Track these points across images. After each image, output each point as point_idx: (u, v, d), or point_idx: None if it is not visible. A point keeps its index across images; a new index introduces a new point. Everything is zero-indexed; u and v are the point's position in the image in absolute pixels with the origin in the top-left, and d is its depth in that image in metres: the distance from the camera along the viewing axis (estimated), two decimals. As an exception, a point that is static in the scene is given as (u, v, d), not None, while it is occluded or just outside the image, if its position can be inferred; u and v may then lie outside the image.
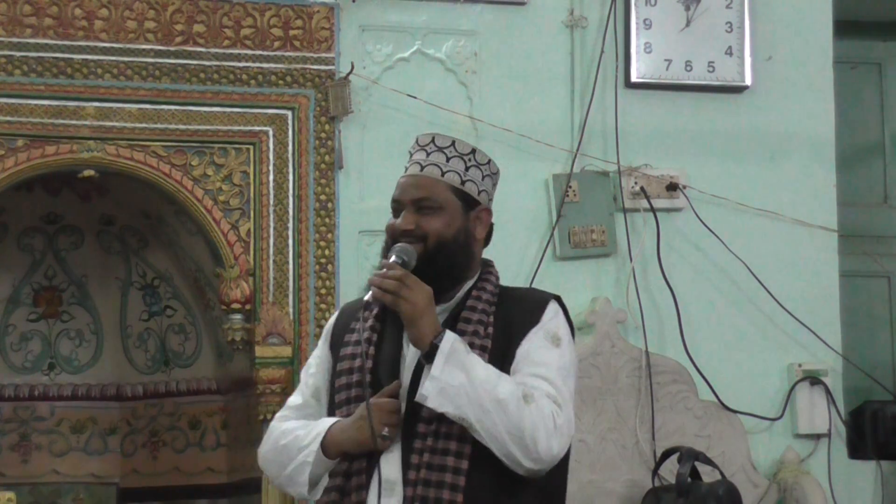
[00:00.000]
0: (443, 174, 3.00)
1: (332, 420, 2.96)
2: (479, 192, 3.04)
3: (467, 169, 3.02)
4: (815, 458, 4.99)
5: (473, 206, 3.02)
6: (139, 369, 5.30)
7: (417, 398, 2.83)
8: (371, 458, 2.89)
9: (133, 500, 5.23)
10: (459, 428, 2.84)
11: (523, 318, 2.96)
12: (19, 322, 5.26)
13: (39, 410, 5.23)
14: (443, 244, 2.96)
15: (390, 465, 2.87)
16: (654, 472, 4.73)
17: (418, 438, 2.86)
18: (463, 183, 3.01)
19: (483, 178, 3.04)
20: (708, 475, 4.56)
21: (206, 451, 5.21)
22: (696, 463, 4.54)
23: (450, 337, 2.84)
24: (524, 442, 2.82)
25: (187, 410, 5.25)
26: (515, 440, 2.82)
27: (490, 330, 2.94)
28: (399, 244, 2.94)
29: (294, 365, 4.57)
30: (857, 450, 5.07)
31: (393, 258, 2.90)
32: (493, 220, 3.11)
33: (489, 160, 3.08)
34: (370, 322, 3.00)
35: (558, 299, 3.04)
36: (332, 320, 3.16)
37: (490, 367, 2.86)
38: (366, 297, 2.88)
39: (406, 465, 2.86)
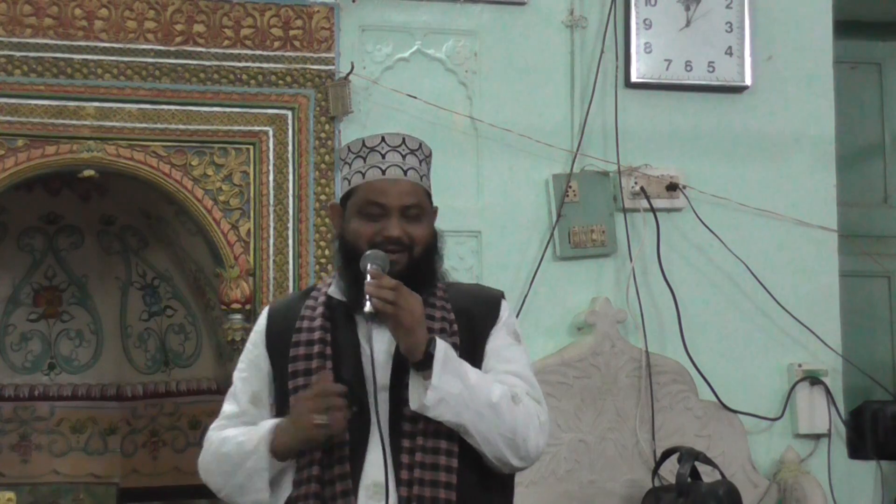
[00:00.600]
0: (421, 178, 2.96)
1: (272, 422, 2.90)
2: (429, 188, 3.02)
3: (421, 165, 2.99)
4: (815, 458, 4.99)
5: (432, 206, 3.01)
6: (139, 369, 5.30)
7: (417, 408, 2.81)
8: (354, 461, 2.85)
9: (133, 500, 5.23)
10: (444, 427, 2.83)
11: (483, 316, 2.96)
12: (19, 322, 5.25)
13: (39, 410, 5.23)
14: (427, 251, 2.94)
15: (374, 468, 2.84)
16: (654, 472, 4.73)
17: (406, 437, 2.85)
18: (429, 186, 3.01)
19: (428, 171, 3.02)
20: (708, 475, 4.56)
21: (207, 451, 5.21)
22: (696, 463, 4.54)
23: (441, 345, 2.83)
24: (516, 442, 2.85)
25: (187, 410, 5.24)
26: (508, 441, 2.84)
27: (455, 327, 2.93)
28: (372, 252, 2.87)
29: (294, 365, 4.57)
30: (857, 450, 5.07)
31: (372, 267, 2.83)
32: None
33: (430, 151, 3.03)
34: (318, 320, 2.94)
35: (504, 295, 3.06)
36: (262, 323, 3.05)
37: (477, 370, 2.87)
38: (366, 309, 2.79)
39: (397, 465, 2.83)
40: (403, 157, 2.95)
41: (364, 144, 2.95)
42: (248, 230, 4.63)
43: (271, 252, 4.64)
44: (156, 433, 5.25)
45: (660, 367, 4.84)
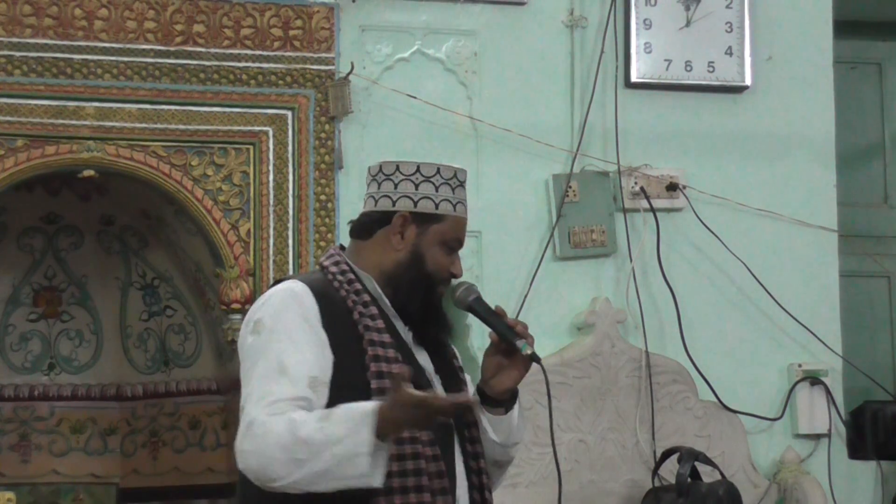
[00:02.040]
0: (466, 210, 3.07)
1: (368, 404, 2.67)
2: None
3: None
4: (815, 458, 4.99)
5: None
6: (139, 369, 5.30)
7: (502, 441, 2.98)
8: (450, 479, 2.83)
9: (133, 500, 5.23)
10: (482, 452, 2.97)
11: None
12: (19, 322, 5.25)
13: (39, 410, 5.23)
14: None
15: (460, 486, 2.89)
16: (654, 472, 4.73)
17: (469, 443, 2.93)
18: None
19: None
20: (708, 475, 4.56)
21: (206, 451, 5.21)
22: (696, 463, 4.54)
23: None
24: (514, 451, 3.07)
25: (187, 410, 5.24)
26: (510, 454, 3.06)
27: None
28: (467, 283, 2.99)
29: (294, 365, 4.56)
30: (857, 450, 5.07)
31: (491, 305, 2.97)
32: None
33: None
34: (381, 322, 2.87)
35: None
36: (311, 303, 2.84)
37: None
38: (528, 352, 2.88)
39: (469, 470, 2.91)
40: (453, 190, 3.03)
41: (455, 175, 3.01)
42: (248, 230, 4.63)
43: (271, 252, 4.64)
44: (156, 433, 5.25)
45: (660, 367, 4.84)
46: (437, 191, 2.97)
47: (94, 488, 5.21)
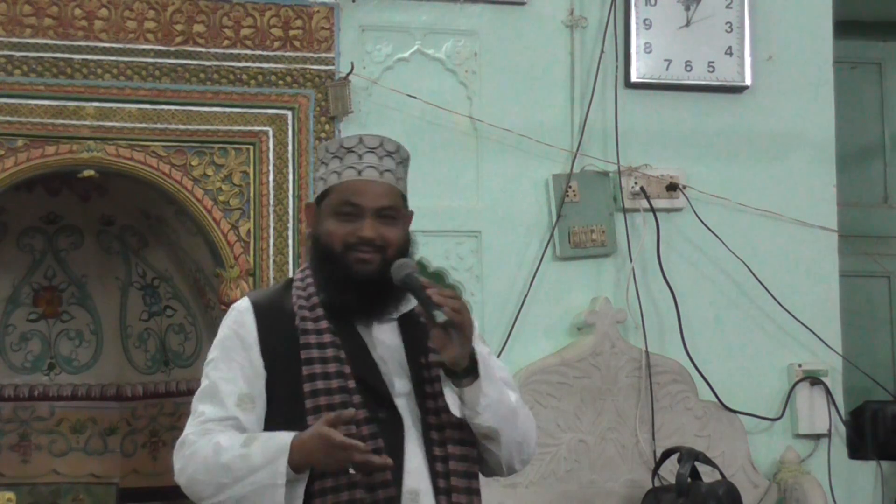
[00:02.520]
0: (397, 181, 2.91)
1: (286, 435, 2.74)
2: (405, 193, 2.97)
3: (404, 175, 2.96)
4: (815, 458, 4.99)
5: (407, 209, 2.96)
6: (139, 369, 5.30)
7: (468, 415, 2.80)
8: (393, 448, 2.79)
9: (133, 500, 5.23)
10: (466, 433, 2.82)
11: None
12: (19, 322, 5.25)
13: (39, 410, 5.23)
14: (401, 255, 2.88)
15: (412, 476, 2.80)
16: (654, 472, 4.73)
17: (436, 445, 2.82)
18: (405, 189, 2.95)
19: (405, 174, 2.97)
20: (708, 475, 4.56)
21: (206, 451, 5.20)
22: (696, 463, 4.54)
23: (482, 351, 2.84)
24: (523, 446, 2.86)
25: (187, 410, 5.21)
26: (519, 446, 2.86)
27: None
28: (404, 260, 2.85)
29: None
30: (857, 450, 5.07)
31: (421, 278, 2.82)
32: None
33: (408, 155, 2.98)
34: (324, 324, 2.86)
35: None
36: (248, 321, 2.89)
37: (500, 367, 2.91)
38: (440, 319, 2.75)
39: (433, 473, 2.81)
40: (380, 158, 2.91)
41: (341, 145, 2.91)
42: (248, 230, 4.63)
43: (271, 252, 4.64)
44: (156, 433, 5.25)
45: (660, 367, 4.84)
46: (327, 168, 2.93)
47: (94, 488, 5.21)
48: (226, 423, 2.84)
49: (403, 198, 2.94)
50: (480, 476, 2.89)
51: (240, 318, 2.90)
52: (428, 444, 2.82)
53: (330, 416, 2.70)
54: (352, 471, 2.71)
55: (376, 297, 2.86)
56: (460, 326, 2.76)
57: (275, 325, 2.87)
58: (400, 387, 2.85)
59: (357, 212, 2.86)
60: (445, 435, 2.82)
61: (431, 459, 2.81)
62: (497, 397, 2.80)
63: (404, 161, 2.96)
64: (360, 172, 2.88)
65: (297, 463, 2.71)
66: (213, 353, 2.94)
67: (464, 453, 2.83)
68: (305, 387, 2.81)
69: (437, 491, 2.79)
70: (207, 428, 2.85)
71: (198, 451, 2.81)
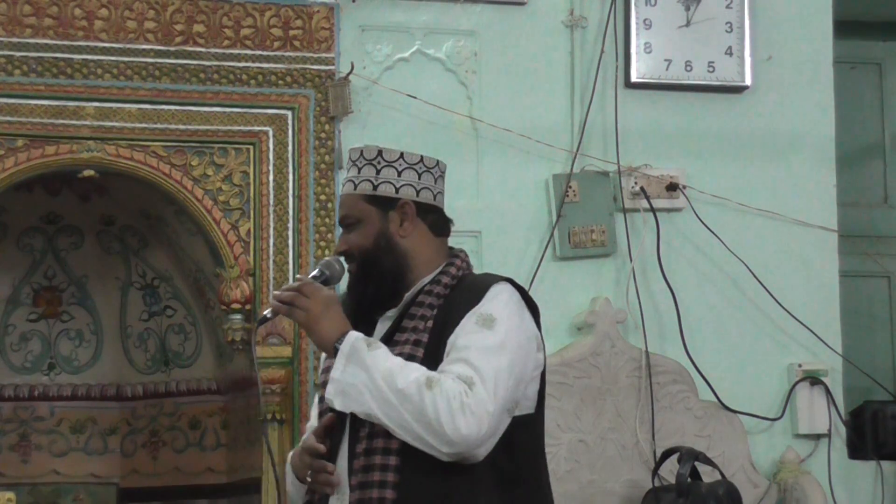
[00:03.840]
0: (356, 187, 3.02)
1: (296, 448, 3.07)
2: (399, 189, 3.01)
3: (378, 172, 3.02)
4: (815, 458, 4.99)
5: (392, 205, 3.01)
6: (139, 369, 5.30)
7: (326, 402, 2.90)
8: (332, 455, 2.96)
9: (133, 500, 5.23)
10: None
11: (462, 306, 2.93)
12: (19, 322, 5.26)
13: (39, 410, 5.23)
14: (366, 256, 2.99)
15: (340, 472, 2.92)
16: (654, 472, 4.73)
17: (359, 442, 2.89)
18: (375, 188, 3.01)
19: (400, 172, 3.03)
20: (708, 475, 4.56)
21: (206, 451, 5.21)
22: (696, 463, 4.54)
23: (351, 338, 2.87)
24: (432, 427, 2.79)
25: (187, 410, 5.25)
26: (423, 427, 2.79)
27: (430, 324, 2.93)
28: (325, 258, 3.08)
29: (294, 365, 4.57)
30: (857, 450, 5.07)
31: (314, 272, 3.00)
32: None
33: (401, 154, 3.05)
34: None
35: (509, 281, 3.00)
36: None
37: (396, 359, 2.86)
38: (265, 312, 2.95)
39: (351, 470, 2.89)
40: (348, 170, 3.07)
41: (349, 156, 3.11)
42: (248, 230, 4.63)
43: (271, 252, 4.64)
44: (156, 433, 5.26)
45: (660, 367, 4.84)
46: None
47: (94, 488, 5.21)
48: (311, 430, 3.07)
49: (371, 197, 3.02)
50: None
51: None
52: (352, 442, 2.91)
53: (318, 425, 2.98)
54: (308, 478, 2.95)
55: (364, 300, 3.01)
56: (289, 317, 2.94)
57: None
58: None
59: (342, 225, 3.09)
60: (369, 430, 2.87)
61: (351, 455, 2.89)
62: (357, 381, 2.83)
63: (370, 161, 3.04)
64: (345, 186, 3.09)
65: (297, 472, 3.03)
66: None
67: (374, 446, 2.86)
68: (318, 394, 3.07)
69: (351, 487, 2.87)
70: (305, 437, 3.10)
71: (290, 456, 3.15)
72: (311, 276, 2.99)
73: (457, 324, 2.90)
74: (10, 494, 4.22)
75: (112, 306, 5.32)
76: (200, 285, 5.07)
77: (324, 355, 3.02)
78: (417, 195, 3.03)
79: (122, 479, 5.25)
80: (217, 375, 5.20)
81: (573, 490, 4.71)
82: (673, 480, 4.57)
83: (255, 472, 4.62)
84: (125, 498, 5.23)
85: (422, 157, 3.07)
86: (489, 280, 2.99)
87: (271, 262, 4.63)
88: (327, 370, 2.95)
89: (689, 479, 4.49)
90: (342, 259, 3.04)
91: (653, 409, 4.79)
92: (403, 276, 3.00)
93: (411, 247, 3.01)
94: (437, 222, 3.05)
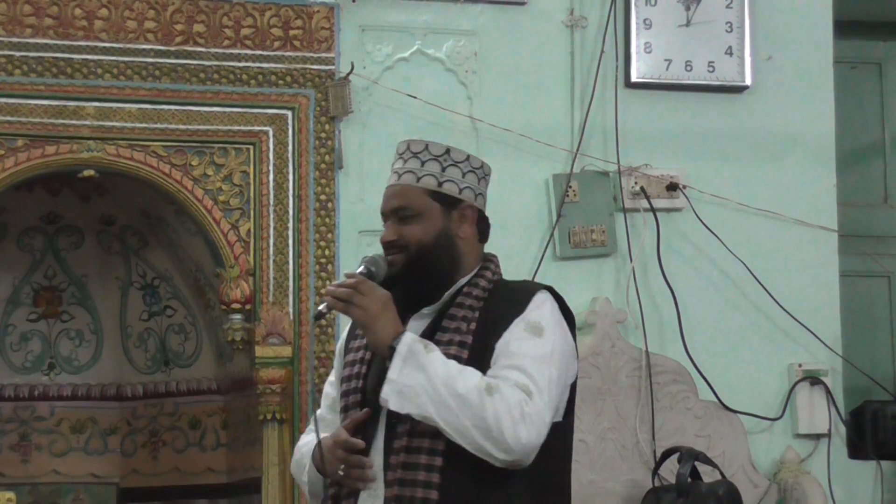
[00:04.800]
0: (418, 180, 3.02)
1: (314, 442, 3.03)
2: (462, 190, 3.04)
3: (444, 169, 3.03)
4: (815, 458, 4.99)
5: (455, 206, 3.03)
6: (139, 369, 5.30)
7: (381, 402, 2.87)
8: (367, 449, 2.96)
9: (133, 500, 5.23)
10: (430, 426, 2.85)
11: (507, 311, 2.95)
12: (19, 322, 5.25)
13: (39, 410, 5.23)
14: (424, 250, 2.99)
15: (374, 468, 2.92)
16: (654, 472, 4.73)
17: (397, 438, 2.89)
18: (440, 184, 3.02)
19: (464, 174, 3.05)
20: (708, 475, 4.56)
21: (206, 451, 5.21)
22: (696, 463, 4.54)
23: (407, 339, 2.87)
24: (491, 434, 2.81)
25: (187, 410, 5.24)
26: (482, 432, 2.81)
27: (473, 325, 2.94)
28: (368, 255, 3.01)
29: (294, 365, 4.57)
30: (857, 450, 5.07)
31: (360, 269, 2.96)
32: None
33: (468, 156, 3.08)
34: None
35: (550, 289, 3.03)
36: (345, 333, 3.19)
37: (452, 363, 2.86)
38: (319, 307, 2.94)
39: (387, 466, 2.89)
40: (404, 162, 3.05)
41: (396, 149, 3.10)
42: (248, 230, 4.63)
43: (271, 252, 4.64)
44: (156, 433, 5.25)
45: (660, 367, 4.84)
46: None
47: (94, 488, 5.21)
48: (323, 423, 3.11)
49: (434, 193, 3.02)
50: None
51: (345, 330, 3.21)
52: (389, 438, 2.91)
53: (349, 420, 2.96)
54: (340, 472, 2.92)
55: (402, 294, 2.97)
56: (346, 314, 2.92)
57: (351, 333, 3.15)
58: None
59: (385, 217, 3.06)
60: (410, 427, 2.88)
61: (388, 452, 2.90)
62: (415, 383, 2.82)
63: (437, 157, 3.05)
64: (393, 177, 3.08)
65: (319, 465, 3.00)
66: None
67: (419, 445, 2.87)
68: (341, 388, 3.07)
69: (387, 483, 2.87)
70: (310, 428, 3.14)
71: (297, 448, 3.23)
72: (358, 271, 2.96)
73: (503, 328, 2.93)
74: (10, 494, 4.22)
75: (112, 306, 5.32)
76: (200, 285, 5.07)
77: (341, 345, 3.12)
78: (475, 200, 3.08)
79: (122, 479, 5.25)
80: (217, 375, 5.20)
81: (573, 490, 4.70)
82: (673, 480, 4.57)
83: (255, 472, 4.62)
84: (125, 498, 5.23)
85: (482, 163, 3.11)
86: (532, 287, 3.04)
87: (271, 262, 4.63)
88: (353, 363, 3.02)
89: (689, 479, 4.49)
90: (385, 257, 3.01)
91: (653, 409, 4.79)
92: (451, 277, 3.02)
93: (464, 249, 3.05)
94: (486, 228, 3.12)
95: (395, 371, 2.84)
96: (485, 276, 3.03)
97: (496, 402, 2.81)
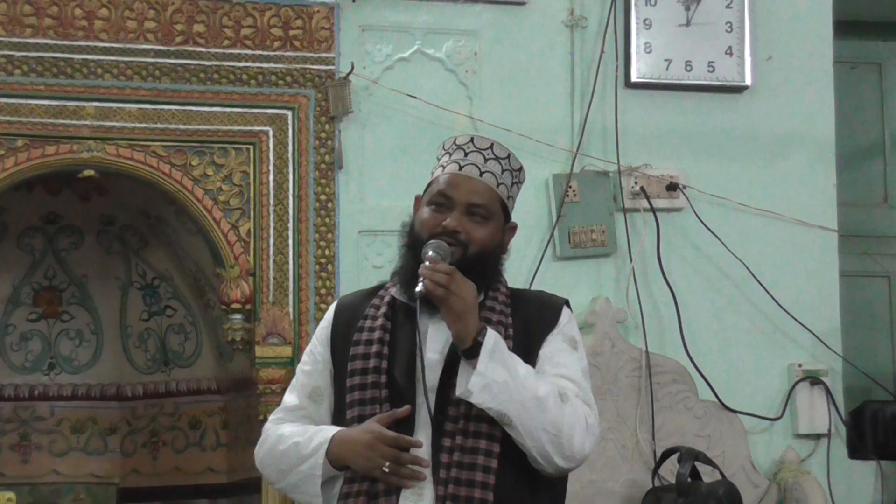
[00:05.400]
0: (497, 185, 3.00)
1: (332, 430, 2.92)
2: (513, 208, 3.06)
3: (512, 185, 3.04)
4: (815, 458, 4.99)
5: (509, 219, 3.05)
6: (139, 369, 5.30)
7: (461, 394, 2.82)
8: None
9: (133, 500, 5.23)
10: (487, 426, 2.84)
11: (541, 321, 2.98)
12: (19, 322, 5.25)
13: (39, 410, 5.23)
14: (484, 254, 2.96)
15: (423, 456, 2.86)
16: (654, 472, 4.73)
17: (447, 436, 2.85)
18: (508, 197, 3.03)
19: (512, 185, 3.05)
20: (708, 475, 4.56)
21: (206, 451, 5.21)
22: (696, 463, 4.54)
23: (492, 334, 2.84)
24: (560, 440, 2.83)
25: (187, 410, 5.24)
26: (552, 438, 2.82)
27: (510, 331, 2.95)
28: (435, 241, 2.91)
29: (294, 365, 4.57)
30: (857, 450, 5.07)
31: (431, 253, 2.88)
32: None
33: (521, 166, 3.08)
34: (380, 320, 2.98)
35: (568, 303, 3.08)
36: (328, 318, 3.09)
37: (528, 366, 2.87)
38: (417, 289, 2.83)
39: (436, 464, 2.84)
40: (486, 160, 3.00)
41: (454, 142, 3.03)
42: (248, 230, 4.63)
43: (271, 252, 4.64)
44: (156, 433, 5.25)
45: (660, 367, 4.84)
46: (438, 162, 3.05)
47: (94, 488, 5.21)
48: (298, 413, 3.03)
49: (503, 203, 3.01)
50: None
51: (327, 314, 3.11)
52: (437, 436, 2.85)
53: (385, 414, 2.86)
54: (386, 468, 2.82)
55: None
56: (440, 301, 2.82)
57: (345, 321, 3.03)
58: (431, 379, 2.89)
59: (449, 203, 2.95)
60: (459, 426, 2.85)
61: (437, 450, 2.85)
62: (501, 379, 2.80)
63: (513, 171, 3.04)
64: (461, 167, 2.98)
65: (335, 457, 2.88)
66: (307, 347, 3.14)
67: (475, 445, 2.84)
68: (347, 381, 2.95)
69: (437, 481, 2.82)
70: (280, 417, 3.05)
71: (267, 439, 3.02)
72: (430, 256, 2.87)
73: (540, 339, 2.95)
74: (10, 494, 4.22)
75: (112, 306, 5.32)
76: (200, 285, 5.07)
77: (326, 334, 3.04)
78: (512, 213, 3.07)
79: (122, 479, 5.25)
80: (217, 375, 5.20)
81: (573, 490, 4.67)
82: (673, 480, 4.57)
83: (255, 472, 4.57)
84: (125, 498, 5.23)
85: (521, 167, 3.08)
86: (556, 300, 3.07)
87: (271, 262, 4.63)
88: (358, 358, 2.94)
89: (689, 479, 4.49)
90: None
91: (653, 409, 4.79)
92: (487, 285, 2.99)
93: (501, 263, 3.05)
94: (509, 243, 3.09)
95: (483, 364, 2.80)
96: (502, 283, 3.04)
97: (569, 410, 2.84)
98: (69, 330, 5.29)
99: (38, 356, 5.27)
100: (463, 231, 2.93)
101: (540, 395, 2.82)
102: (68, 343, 5.29)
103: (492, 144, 3.03)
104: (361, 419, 2.90)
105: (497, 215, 2.99)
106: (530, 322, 2.97)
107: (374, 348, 2.95)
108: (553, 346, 2.95)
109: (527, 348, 2.93)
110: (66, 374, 5.27)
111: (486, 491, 2.82)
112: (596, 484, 4.74)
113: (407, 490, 2.83)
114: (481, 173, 2.98)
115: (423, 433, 2.87)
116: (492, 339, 2.83)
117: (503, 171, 3.01)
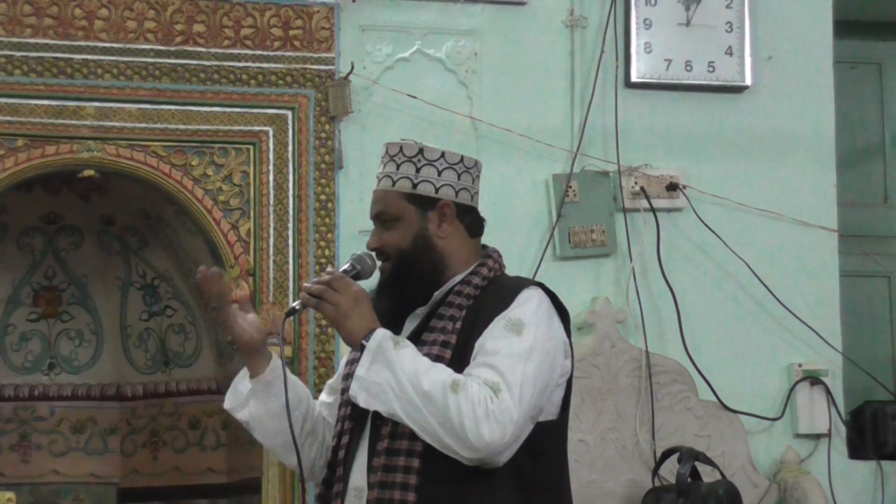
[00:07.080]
0: (394, 183, 3.02)
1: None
2: (439, 189, 3.02)
3: (418, 170, 3.02)
4: (815, 458, 4.99)
5: (432, 205, 3.02)
6: (139, 369, 5.30)
7: (350, 398, 2.88)
8: (345, 466, 2.94)
9: (133, 500, 5.23)
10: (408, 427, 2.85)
11: (492, 308, 2.94)
12: (19, 322, 5.25)
13: (39, 410, 5.23)
14: (403, 256, 2.99)
15: (357, 472, 2.91)
16: (654, 472, 4.73)
17: (379, 441, 2.88)
18: (415, 186, 3.01)
19: (440, 172, 3.03)
20: (708, 475, 4.56)
21: (206, 451, 5.21)
22: (696, 463, 4.54)
23: (378, 335, 2.86)
24: (455, 431, 2.79)
25: (187, 410, 5.24)
26: (447, 430, 2.79)
27: (458, 325, 2.93)
28: (356, 253, 3.04)
29: (294, 365, 4.57)
30: (857, 450, 5.08)
31: (346, 266, 2.99)
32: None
33: (442, 153, 3.06)
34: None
35: (540, 285, 3.02)
36: None
37: (423, 359, 2.85)
38: (294, 304, 2.96)
39: (370, 469, 2.88)
40: (384, 165, 3.06)
41: (387, 151, 3.10)
42: (248, 230, 4.63)
43: (271, 252, 4.64)
44: (156, 433, 5.25)
45: (660, 367, 4.84)
46: None
47: (94, 488, 5.21)
48: (321, 405, 3.21)
49: (409, 195, 3.01)
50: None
51: None
52: (373, 440, 2.90)
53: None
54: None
55: (395, 300, 2.99)
56: (317, 310, 2.93)
57: None
58: None
59: (373, 223, 3.07)
60: (391, 429, 2.87)
61: (371, 454, 2.89)
62: (381, 380, 2.82)
63: (410, 158, 3.03)
64: (378, 182, 3.08)
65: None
66: None
67: (398, 447, 2.85)
68: (341, 386, 3.08)
69: (369, 486, 2.86)
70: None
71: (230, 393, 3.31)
72: (341, 269, 2.98)
73: (485, 326, 2.91)
74: (10, 494, 4.22)
75: (112, 306, 5.32)
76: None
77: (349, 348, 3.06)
78: (456, 196, 3.04)
79: (122, 479, 5.24)
80: (217, 375, 5.20)
81: (573, 490, 4.70)
82: (673, 480, 4.57)
83: (255, 472, 4.62)
84: (125, 498, 5.23)
85: (462, 156, 3.08)
86: (520, 284, 3.02)
87: (271, 262, 4.63)
88: (352, 363, 2.97)
89: (689, 479, 4.49)
90: (373, 255, 3.02)
91: (653, 409, 4.79)
92: (439, 277, 3.01)
93: (448, 248, 3.03)
94: (474, 223, 3.08)
95: (363, 368, 2.84)
96: (479, 274, 3.02)
97: (460, 399, 2.78)
98: (69, 330, 5.29)
99: (38, 356, 5.26)
100: (380, 244, 3.01)
101: (426, 390, 2.79)
102: (68, 343, 5.29)
103: (386, 148, 3.07)
104: (340, 430, 3.01)
105: (406, 213, 3.01)
106: (483, 311, 2.94)
107: (356, 355, 2.99)
108: (489, 333, 2.89)
109: (470, 338, 2.91)
110: (66, 374, 5.27)
111: (407, 491, 2.82)
112: (596, 484, 4.74)
113: (350, 493, 2.91)
114: (378, 182, 3.05)
115: (366, 438, 2.93)
116: (375, 340, 2.85)
117: (400, 164, 3.02)
